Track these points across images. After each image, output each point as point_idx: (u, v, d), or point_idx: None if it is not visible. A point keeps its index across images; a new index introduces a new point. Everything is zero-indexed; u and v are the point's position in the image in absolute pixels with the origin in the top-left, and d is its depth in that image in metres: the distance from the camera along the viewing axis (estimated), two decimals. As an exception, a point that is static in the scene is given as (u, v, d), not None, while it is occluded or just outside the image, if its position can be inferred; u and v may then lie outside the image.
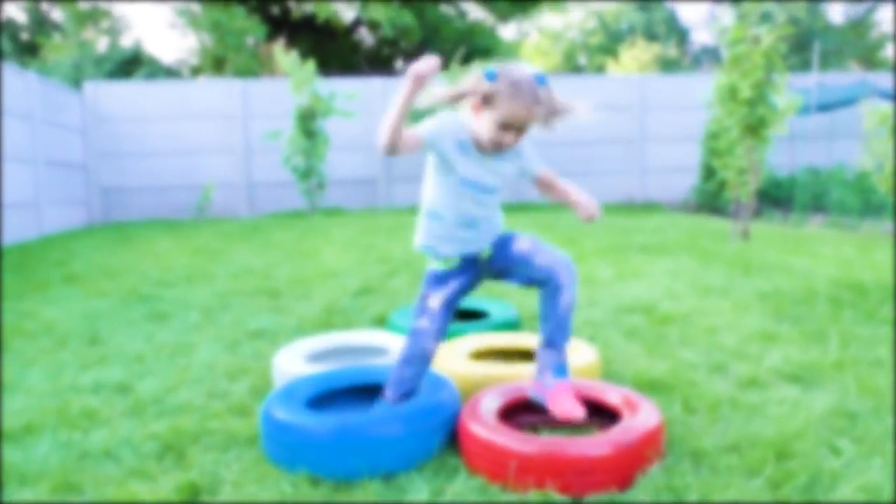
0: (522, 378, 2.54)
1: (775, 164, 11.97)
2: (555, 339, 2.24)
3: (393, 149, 2.03)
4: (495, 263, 2.31)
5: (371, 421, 2.10)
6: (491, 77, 2.09)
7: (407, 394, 2.30)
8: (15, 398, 2.82)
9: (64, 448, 2.30)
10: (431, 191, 2.24)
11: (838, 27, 29.67)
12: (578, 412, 2.13)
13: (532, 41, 35.87)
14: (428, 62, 1.96)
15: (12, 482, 2.07)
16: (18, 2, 23.44)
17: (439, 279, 2.32)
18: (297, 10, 20.33)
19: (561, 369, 2.24)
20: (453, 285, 2.32)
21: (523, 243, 2.25)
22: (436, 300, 2.30)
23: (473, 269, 2.33)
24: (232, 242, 7.79)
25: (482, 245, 2.29)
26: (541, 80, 2.09)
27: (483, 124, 2.11)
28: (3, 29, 24.08)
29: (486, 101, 2.08)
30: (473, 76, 2.14)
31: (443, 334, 2.32)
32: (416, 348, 2.28)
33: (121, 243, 8.20)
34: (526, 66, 2.14)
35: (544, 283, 2.19)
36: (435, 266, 2.33)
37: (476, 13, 22.66)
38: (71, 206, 11.36)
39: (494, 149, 2.15)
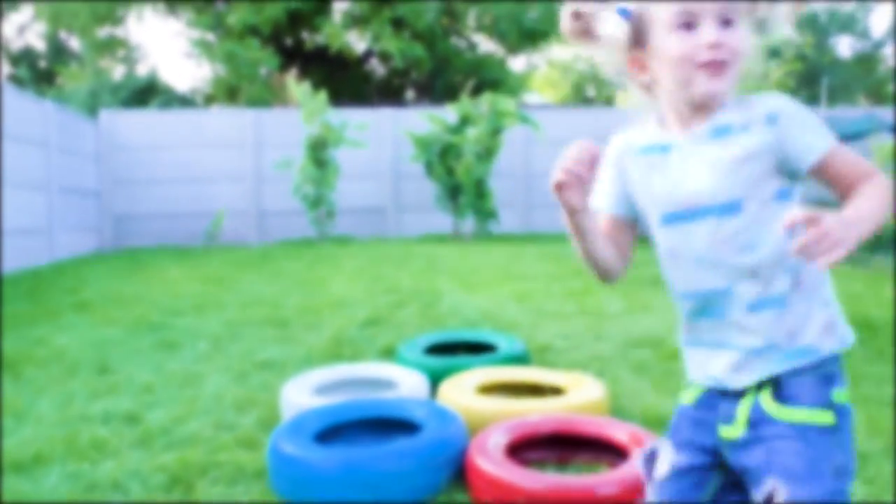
0: (530, 413, 2.54)
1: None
2: None
3: (609, 274, 1.38)
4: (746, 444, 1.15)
5: (378, 455, 2.10)
6: (624, 14, 1.21)
7: None
8: (25, 427, 2.84)
9: (72, 479, 2.31)
10: None
11: (846, 62, 29.85)
12: None
13: (541, 73, 36.23)
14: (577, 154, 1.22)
15: (21, 513, 2.08)
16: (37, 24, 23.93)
17: (675, 421, 1.28)
18: (310, 40, 20.67)
19: None
20: (688, 436, 1.23)
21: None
22: (663, 461, 1.25)
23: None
24: (242, 270, 7.83)
25: (737, 363, 1.17)
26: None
27: (657, 79, 1.21)
28: (22, 57, 24.55)
29: (636, 42, 1.21)
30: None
31: None
32: None
33: (131, 270, 8.26)
34: None
35: None
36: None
37: (486, 45, 22.95)
38: (83, 233, 11.47)
39: (700, 111, 1.18)
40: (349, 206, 12.71)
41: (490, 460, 2.09)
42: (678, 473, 1.20)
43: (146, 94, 18.86)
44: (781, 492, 1.07)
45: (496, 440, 2.24)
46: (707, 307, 1.21)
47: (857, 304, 5.08)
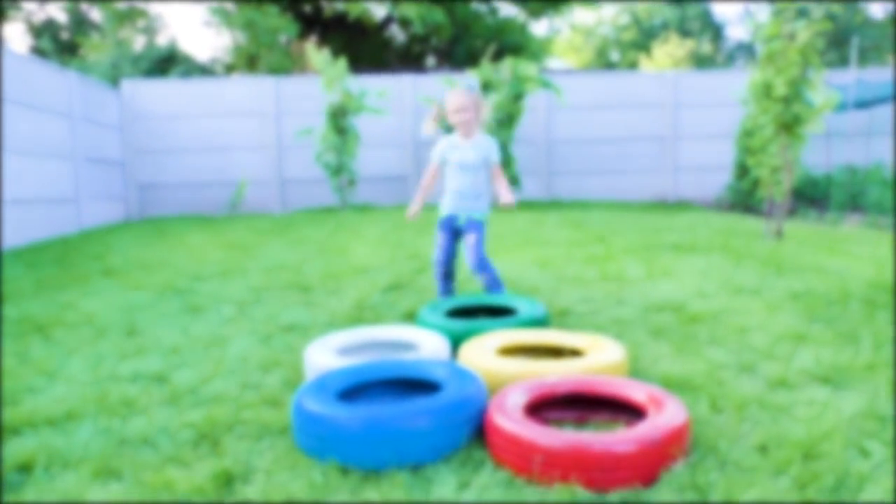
0: (549, 374, 2.56)
1: (812, 163, 11.77)
2: (490, 291, 3.96)
3: (430, 190, 4.15)
4: (461, 229, 4.01)
5: (400, 413, 2.14)
6: (471, 87, 4.00)
7: (441, 278, 4.12)
8: (57, 386, 2.93)
9: (104, 434, 2.38)
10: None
11: (878, 22, 28.98)
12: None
13: (564, 37, 35.66)
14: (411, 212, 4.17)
15: (56, 465, 2.16)
16: (61, 2, 23.97)
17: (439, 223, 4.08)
18: (329, 7, 20.49)
19: (495, 289, 3.93)
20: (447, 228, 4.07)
21: (471, 238, 3.92)
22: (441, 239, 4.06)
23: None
24: (265, 238, 7.91)
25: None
26: (469, 87, 4.00)
27: (460, 125, 3.94)
28: (45, 29, 24.65)
29: (443, 112, 4.03)
30: (435, 106, 4.18)
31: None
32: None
33: (157, 238, 8.38)
34: (461, 85, 4.10)
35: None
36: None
37: (507, 10, 22.59)
38: (109, 202, 11.62)
39: (467, 137, 3.95)
40: (370, 173, 12.72)
41: (509, 419, 2.12)
42: (445, 245, 4.06)
43: (167, 63, 18.89)
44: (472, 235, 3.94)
45: (515, 399, 2.27)
46: (460, 190, 3.96)
47: (884, 269, 5.02)
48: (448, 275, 4.11)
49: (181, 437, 2.34)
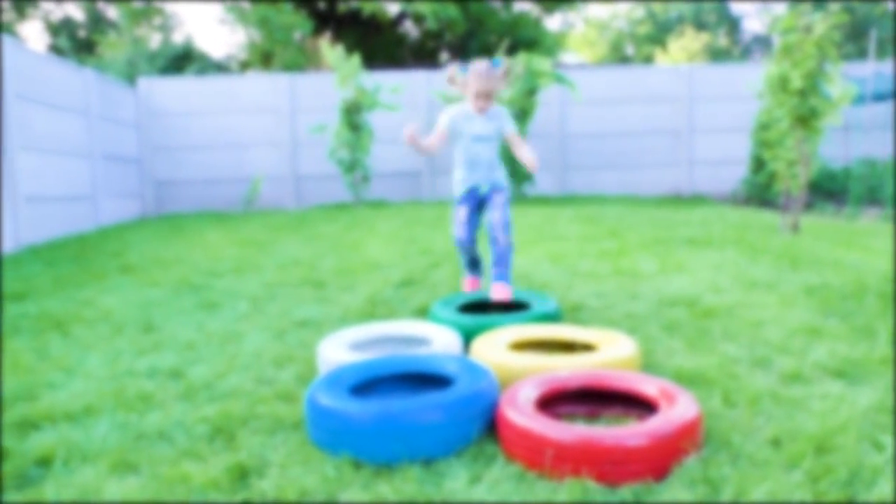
0: (561, 369, 2.57)
1: (829, 156, 11.64)
2: (496, 267, 3.75)
3: (430, 153, 3.82)
4: (485, 197, 3.86)
5: (412, 408, 2.16)
6: (464, 70, 3.73)
7: (471, 265, 4.05)
8: (75, 381, 2.97)
9: (121, 429, 2.42)
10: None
11: (898, 13, 28.54)
12: (508, 296, 3.69)
13: (578, 32, 35.48)
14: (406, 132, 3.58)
15: (74, 459, 2.20)
16: (78, 1, 24.19)
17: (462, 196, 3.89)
18: (343, 4, 20.51)
19: (502, 278, 3.73)
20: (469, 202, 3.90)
21: (500, 198, 3.81)
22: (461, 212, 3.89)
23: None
24: (279, 234, 7.96)
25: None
26: (495, 63, 3.72)
27: (470, 98, 3.71)
28: (62, 27, 24.89)
29: (465, 86, 3.72)
30: (457, 73, 3.75)
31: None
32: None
33: (173, 235, 8.46)
34: (483, 60, 3.73)
35: (487, 227, 3.81)
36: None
37: (521, 4, 22.52)
38: (126, 199, 11.73)
39: (481, 111, 3.73)
40: (384, 170, 12.74)
41: (520, 413, 2.13)
42: (468, 218, 3.88)
43: (182, 61, 19.01)
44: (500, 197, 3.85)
45: (527, 394, 2.28)
46: (478, 161, 3.81)
47: (901, 262, 4.96)
48: (475, 262, 4.00)
49: (196, 432, 2.37)
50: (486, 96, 3.65)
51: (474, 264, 4.02)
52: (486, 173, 3.82)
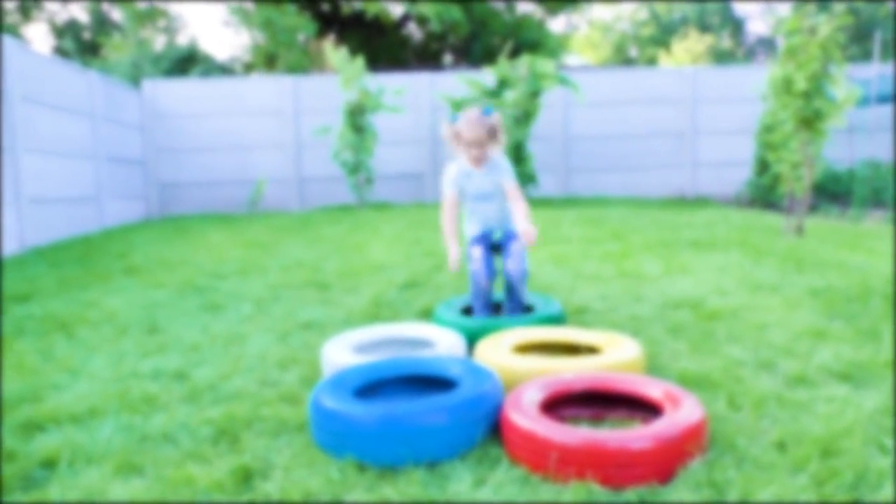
0: (565, 371, 2.56)
1: (834, 158, 11.61)
2: (509, 310, 3.64)
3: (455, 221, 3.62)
4: (499, 243, 3.69)
5: (416, 411, 2.15)
6: (454, 119, 3.58)
7: (483, 307, 3.61)
8: (80, 383, 2.98)
9: (126, 431, 2.42)
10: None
11: (903, 15, 28.48)
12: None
13: (581, 34, 35.48)
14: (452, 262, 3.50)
15: (79, 461, 2.20)
16: (83, 1, 24.27)
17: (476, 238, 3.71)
18: (347, 6, 20.55)
19: (515, 311, 3.63)
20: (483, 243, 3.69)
21: (517, 246, 3.54)
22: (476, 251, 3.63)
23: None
24: (283, 236, 7.97)
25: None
26: (486, 111, 3.54)
27: (463, 150, 3.54)
28: (67, 29, 24.97)
29: (457, 136, 3.53)
30: (447, 128, 3.57)
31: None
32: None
33: (177, 236, 8.47)
34: (475, 107, 3.75)
35: (505, 277, 3.60)
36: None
37: (524, 6, 22.53)
38: (130, 201, 11.76)
39: (478, 164, 3.55)
40: (387, 171, 12.76)
41: (524, 416, 2.13)
42: (484, 256, 3.56)
43: (187, 63, 19.06)
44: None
45: (531, 396, 2.28)
46: (487, 216, 3.65)
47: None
48: (489, 305, 3.62)
49: (201, 434, 2.37)
50: (478, 145, 3.46)
51: (489, 307, 3.62)
52: (498, 224, 3.68)
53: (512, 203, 3.49)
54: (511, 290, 3.57)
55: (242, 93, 12.93)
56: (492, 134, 3.49)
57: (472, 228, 3.72)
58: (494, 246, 3.69)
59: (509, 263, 3.52)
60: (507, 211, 3.62)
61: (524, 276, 3.54)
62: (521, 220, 3.35)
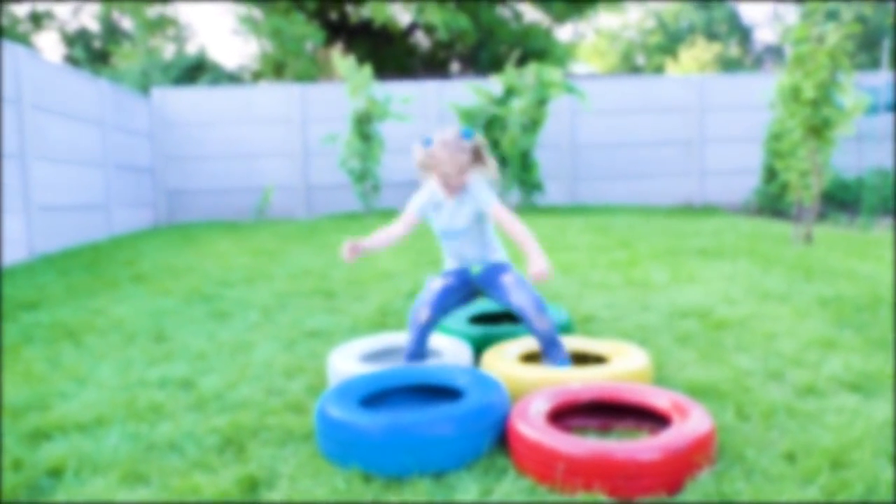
0: (572, 381, 2.55)
1: (843, 166, 11.56)
2: (549, 353, 2.86)
3: (391, 243, 3.11)
4: (481, 281, 3.06)
5: (422, 420, 2.15)
6: (427, 143, 2.93)
7: (411, 355, 2.97)
8: (87, 391, 2.98)
9: (132, 439, 2.42)
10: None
11: (912, 22, 28.40)
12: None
13: (589, 42, 35.50)
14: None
15: (86, 470, 2.20)
16: (93, 1, 24.47)
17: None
18: (355, 15, 20.63)
19: (564, 362, 2.85)
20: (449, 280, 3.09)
21: (508, 278, 2.95)
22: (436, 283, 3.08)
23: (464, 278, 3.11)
24: (290, 244, 7.98)
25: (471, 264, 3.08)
26: (466, 134, 2.92)
27: (437, 176, 2.93)
28: (78, 38, 25.17)
29: (431, 162, 2.90)
30: (419, 152, 2.94)
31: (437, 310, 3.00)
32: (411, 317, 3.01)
33: (185, 244, 8.50)
34: (452, 127, 2.98)
35: (518, 316, 2.91)
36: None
37: (532, 15, 22.56)
38: (139, 208, 11.81)
39: (451, 193, 2.96)
40: (394, 179, 12.76)
41: (531, 426, 2.12)
42: (442, 292, 3.01)
43: (196, 71, 19.15)
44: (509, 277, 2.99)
45: (538, 406, 2.27)
46: (462, 254, 3.04)
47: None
48: (420, 348, 2.97)
49: (207, 443, 2.37)
50: (457, 170, 2.86)
51: (417, 352, 2.97)
52: (478, 258, 3.05)
53: (509, 232, 2.90)
54: (537, 334, 2.84)
55: (250, 101, 12.99)
56: (475, 158, 2.93)
57: (447, 263, 3.15)
58: (474, 288, 3.08)
59: (513, 298, 2.86)
60: (487, 242, 3.04)
61: (541, 305, 2.84)
62: (534, 256, 2.82)
